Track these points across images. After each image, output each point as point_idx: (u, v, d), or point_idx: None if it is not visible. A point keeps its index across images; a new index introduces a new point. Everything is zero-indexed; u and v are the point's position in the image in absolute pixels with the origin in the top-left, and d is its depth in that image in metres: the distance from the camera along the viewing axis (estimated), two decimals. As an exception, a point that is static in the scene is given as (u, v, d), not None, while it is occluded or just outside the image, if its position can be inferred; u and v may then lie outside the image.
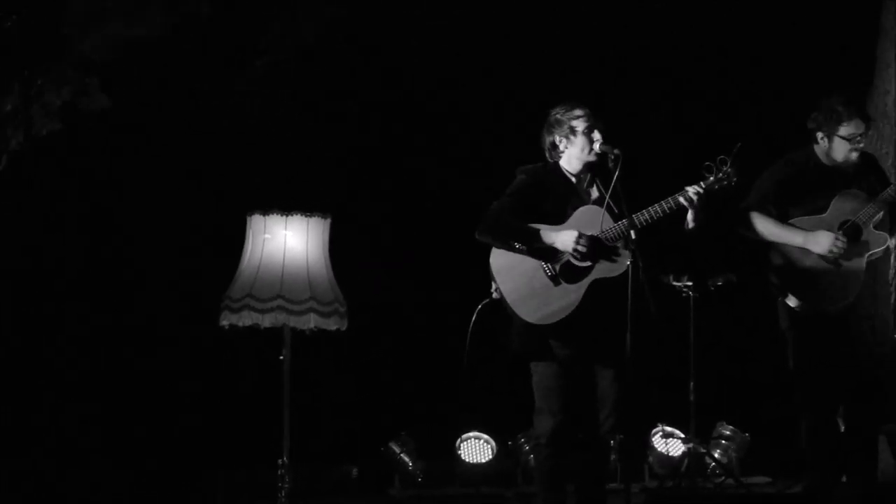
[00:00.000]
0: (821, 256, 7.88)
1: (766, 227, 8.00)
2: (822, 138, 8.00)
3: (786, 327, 8.08)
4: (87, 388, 9.65)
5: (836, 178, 7.99)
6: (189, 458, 9.57)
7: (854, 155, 7.96)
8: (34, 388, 9.38)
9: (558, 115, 7.57)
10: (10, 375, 9.46)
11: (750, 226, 8.03)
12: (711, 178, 7.36)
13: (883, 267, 8.24)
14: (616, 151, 7.34)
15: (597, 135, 7.48)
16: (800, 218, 7.98)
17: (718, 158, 7.36)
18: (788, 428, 8.39)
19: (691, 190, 7.32)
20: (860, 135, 7.94)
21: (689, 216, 7.36)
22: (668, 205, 7.33)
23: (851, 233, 7.86)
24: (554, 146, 7.59)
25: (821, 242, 7.86)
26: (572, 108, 7.55)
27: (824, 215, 7.93)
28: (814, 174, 8.03)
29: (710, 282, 9.34)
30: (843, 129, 7.92)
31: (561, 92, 7.79)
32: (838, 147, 7.95)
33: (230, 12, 9.37)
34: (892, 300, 9.40)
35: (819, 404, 8.03)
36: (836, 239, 7.83)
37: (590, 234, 7.35)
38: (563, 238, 7.34)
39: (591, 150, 7.50)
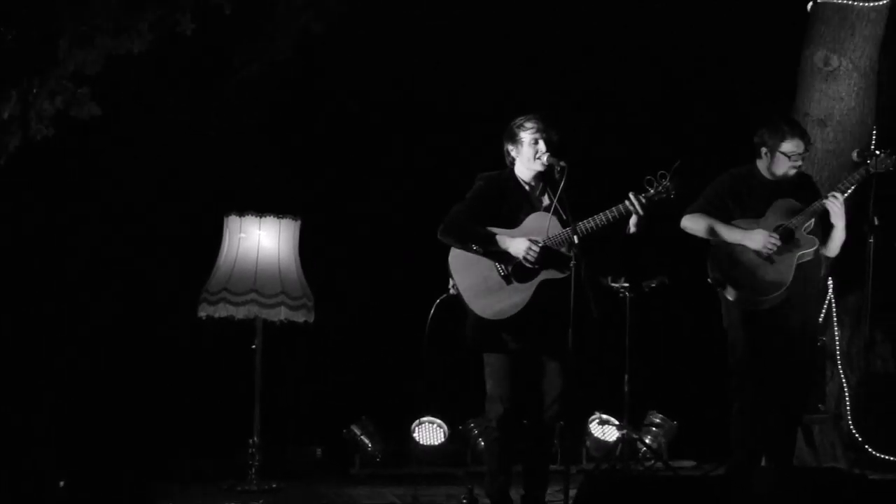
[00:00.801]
0: (756, 253, 7.99)
1: (708, 226, 8.13)
2: (765, 153, 8.12)
3: (727, 324, 8.20)
4: (79, 371, 9.61)
5: (775, 190, 8.13)
6: (166, 439, 9.47)
7: (793, 171, 8.08)
8: (31, 383, 9.32)
9: (512, 127, 7.63)
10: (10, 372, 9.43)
11: (695, 225, 8.16)
12: (652, 191, 7.44)
13: (814, 271, 8.29)
14: (562, 163, 7.40)
15: (542, 146, 7.51)
16: (740, 220, 8.11)
17: (659, 173, 7.45)
18: (713, 417, 8.47)
19: (634, 200, 7.38)
20: (799, 153, 8.05)
21: (632, 222, 7.43)
22: (612, 214, 7.41)
23: (785, 234, 7.99)
24: (508, 153, 7.66)
25: (756, 240, 7.99)
26: (524, 121, 7.61)
27: (762, 219, 8.06)
28: (755, 185, 8.18)
29: (645, 284, 9.38)
30: (786, 146, 8.04)
31: (518, 103, 7.89)
32: (780, 161, 8.07)
33: (212, 29, 9.32)
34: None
35: (749, 392, 8.14)
36: (770, 237, 7.95)
37: (539, 240, 7.41)
38: (517, 245, 7.41)
39: (538, 160, 7.53)
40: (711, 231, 8.10)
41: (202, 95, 10.13)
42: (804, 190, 8.17)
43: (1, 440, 8.62)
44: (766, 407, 8.22)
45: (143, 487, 8.33)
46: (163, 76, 9.72)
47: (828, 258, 8.57)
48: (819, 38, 9.78)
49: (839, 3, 9.68)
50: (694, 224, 8.15)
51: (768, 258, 7.98)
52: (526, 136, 7.57)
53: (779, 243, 7.94)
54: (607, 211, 7.40)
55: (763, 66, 10.39)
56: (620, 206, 7.40)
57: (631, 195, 7.37)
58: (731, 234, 8.06)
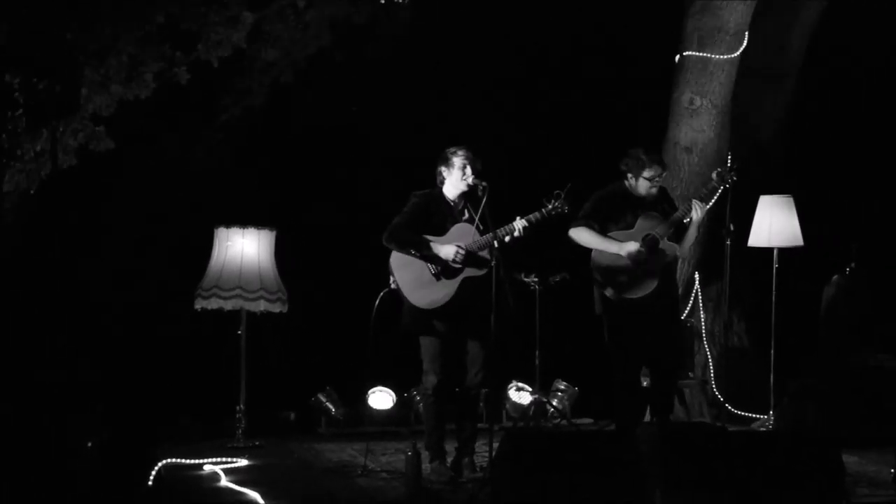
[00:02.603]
0: (628, 258, 8.03)
1: (590, 238, 8.10)
2: (630, 178, 8.12)
3: (600, 311, 8.21)
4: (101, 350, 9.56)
5: (641, 204, 8.13)
6: (168, 407, 9.42)
7: (654, 190, 8.12)
8: (60, 364, 9.20)
9: (446, 153, 7.66)
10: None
11: (579, 237, 8.13)
12: (549, 206, 7.52)
13: (674, 267, 8.38)
14: (484, 184, 7.47)
15: (468, 170, 7.56)
16: (615, 232, 8.10)
17: (555, 192, 7.54)
18: (605, 384, 8.46)
19: (517, 223, 7.49)
20: (658, 176, 8.11)
21: (514, 235, 7.53)
22: (506, 230, 7.50)
23: (651, 244, 8.00)
24: (440, 173, 7.69)
25: (629, 250, 8.01)
26: (457, 149, 7.63)
27: (632, 230, 8.06)
28: (625, 201, 8.16)
29: (551, 279, 9.30)
30: (646, 173, 8.06)
31: (452, 134, 7.92)
32: (642, 184, 8.08)
33: (201, 80, 9.34)
34: (681, 292, 9.54)
35: (625, 366, 8.16)
36: (639, 248, 8.01)
37: (464, 245, 7.48)
38: (446, 250, 7.49)
39: (464, 181, 7.59)
40: (592, 242, 8.10)
41: (194, 132, 10.12)
42: (664, 201, 8.23)
43: (38, 409, 8.59)
44: (642, 374, 8.34)
45: (150, 446, 8.35)
46: (163, 117, 9.67)
47: (688, 254, 8.68)
48: (685, 83, 9.88)
49: (701, 56, 9.80)
50: (578, 236, 8.10)
51: (638, 264, 8.01)
52: (458, 161, 7.60)
53: (645, 253, 7.98)
54: (506, 226, 7.50)
55: (641, 102, 10.50)
56: (510, 224, 7.49)
57: (518, 218, 7.49)
58: (608, 245, 8.04)
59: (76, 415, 8.41)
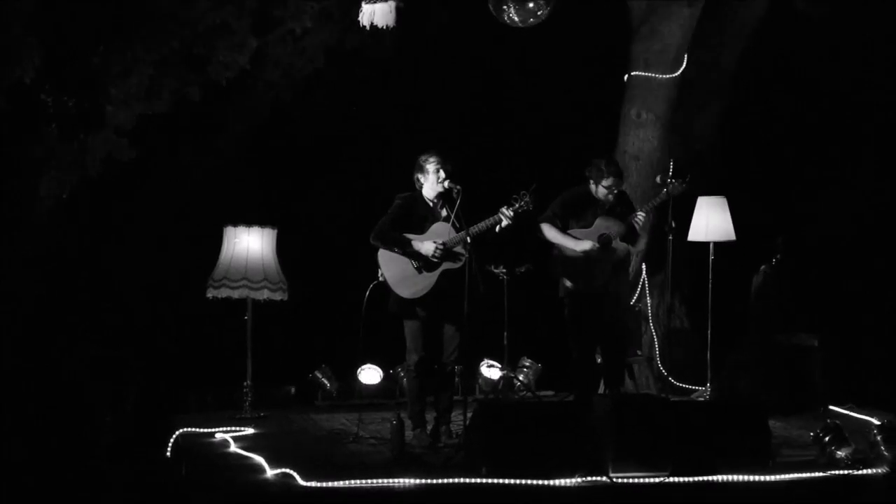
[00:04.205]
0: (584, 254, 8.09)
1: (552, 234, 8.17)
2: (592, 184, 8.20)
3: (562, 297, 8.28)
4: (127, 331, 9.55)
5: (601, 206, 8.20)
6: (184, 383, 9.42)
7: (611, 197, 8.17)
8: (86, 344, 9.17)
9: (420, 160, 7.65)
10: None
11: (542, 232, 8.21)
12: (516, 205, 7.52)
13: (625, 264, 8.43)
14: (458, 187, 7.48)
15: (442, 174, 7.55)
16: (575, 229, 8.18)
17: (521, 192, 7.54)
18: (566, 360, 8.50)
19: (503, 212, 7.50)
20: (615, 186, 8.16)
21: (502, 224, 7.55)
22: (490, 221, 7.52)
23: (605, 241, 8.08)
24: (417, 180, 7.69)
25: (583, 248, 8.06)
26: (430, 156, 7.62)
27: (590, 229, 8.14)
28: (587, 202, 8.22)
29: (517, 269, 9.32)
30: (605, 182, 8.12)
31: (431, 142, 7.93)
32: (601, 191, 8.15)
33: (213, 96, 9.35)
34: (630, 281, 9.62)
35: (582, 346, 8.25)
36: (594, 244, 8.05)
37: (441, 242, 7.51)
38: (426, 247, 7.52)
39: (439, 184, 7.58)
40: (553, 237, 8.17)
41: (205, 143, 10.13)
42: (622, 204, 8.30)
43: (63, 384, 8.60)
44: (596, 353, 8.40)
45: (167, 416, 8.39)
46: (178, 130, 9.65)
47: (640, 251, 8.75)
48: (633, 99, 9.94)
49: (646, 76, 9.87)
50: (541, 231, 8.23)
51: (593, 257, 8.08)
52: (431, 167, 7.59)
53: (599, 248, 8.06)
54: (487, 219, 7.53)
55: (595, 118, 10.53)
56: (496, 215, 7.52)
57: (501, 210, 7.51)
58: (567, 241, 8.13)
59: (99, 387, 8.45)
